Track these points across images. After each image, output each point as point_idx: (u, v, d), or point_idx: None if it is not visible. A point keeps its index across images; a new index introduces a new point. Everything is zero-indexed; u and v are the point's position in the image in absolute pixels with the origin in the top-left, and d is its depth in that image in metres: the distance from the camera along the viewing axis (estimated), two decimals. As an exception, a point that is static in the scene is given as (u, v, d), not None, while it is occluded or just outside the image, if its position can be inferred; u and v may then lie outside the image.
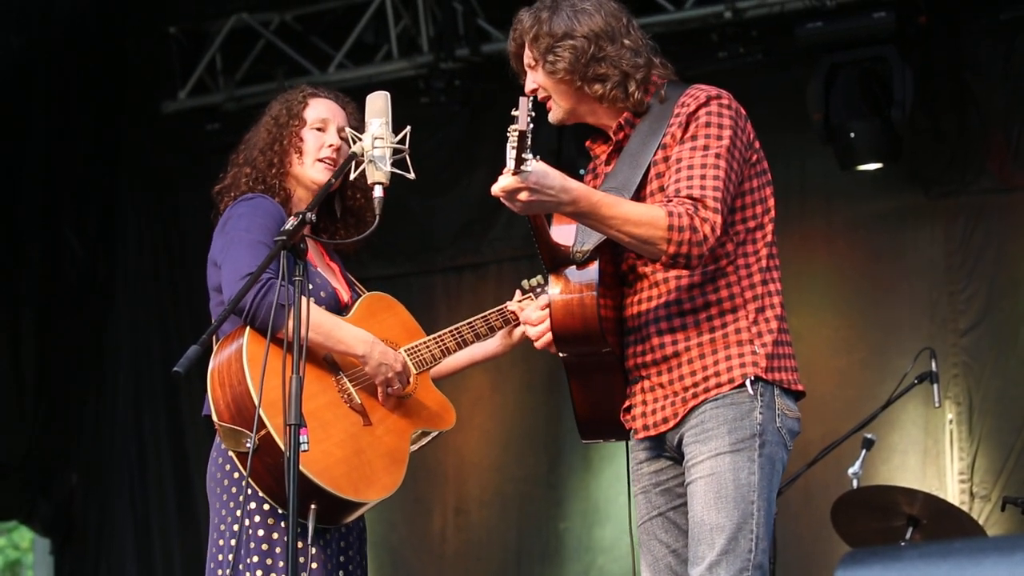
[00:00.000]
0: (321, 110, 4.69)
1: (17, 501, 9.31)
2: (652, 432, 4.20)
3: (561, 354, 4.22)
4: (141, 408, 9.46)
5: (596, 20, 4.20)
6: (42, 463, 9.26)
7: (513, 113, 3.66)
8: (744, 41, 8.26)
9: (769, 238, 4.22)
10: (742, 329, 4.13)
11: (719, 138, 4.09)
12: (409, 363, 4.59)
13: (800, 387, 4.20)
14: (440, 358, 4.67)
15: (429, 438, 4.64)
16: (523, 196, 3.81)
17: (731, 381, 4.09)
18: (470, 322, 4.70)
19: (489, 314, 4.72)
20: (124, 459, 9.42)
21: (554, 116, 4.30)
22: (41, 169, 9.24)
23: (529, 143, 3.69)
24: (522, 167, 3.73)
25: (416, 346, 4.64)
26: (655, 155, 4.16)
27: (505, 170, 3.77)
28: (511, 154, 3.71)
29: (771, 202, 4.24)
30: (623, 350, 4.25)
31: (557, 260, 4.15)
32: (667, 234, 3.94)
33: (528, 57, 4.28)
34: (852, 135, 7.82)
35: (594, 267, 4.12)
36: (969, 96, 7.93)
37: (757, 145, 4.23)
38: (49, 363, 9.21)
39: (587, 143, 4.43)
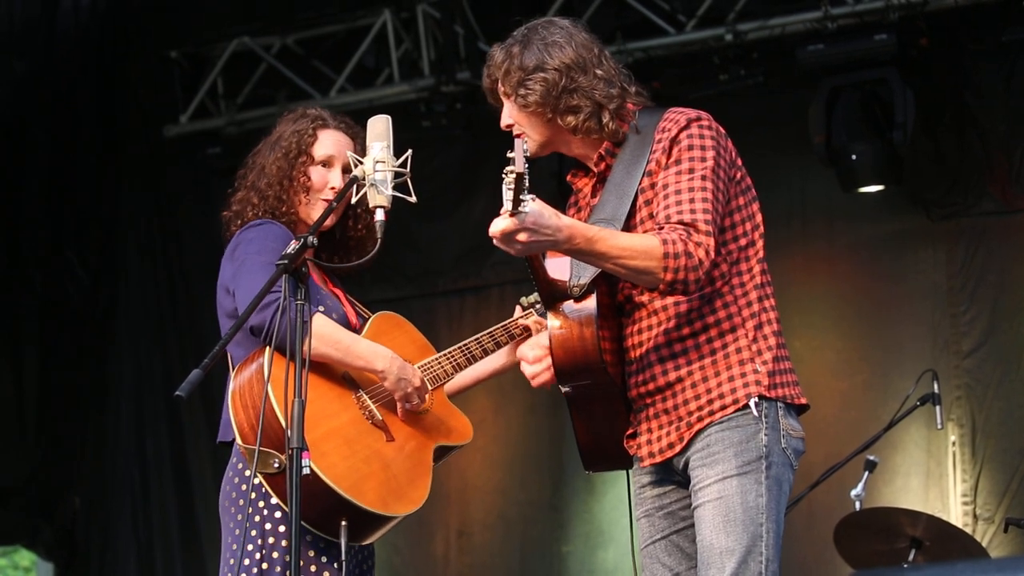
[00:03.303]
0: (328, 145, 4.65)
1: (20, 525, 9.31)
2: (658, 459, 4.19)
3: (562, 388, 4.21)
4: (143, 432, 9.45)
5: (567, 52, 4.20)
6: (45, 487, 9.26)
7: (509, 155, 3.65)
8: (745, 64, 8.25)
9: (761, 254, 4.22)
10: (742, 348, 4.13)
11: (703, 160, 4.09)
12: (424, 379, 4.59)
13: (803, 400, 4.20)
14: (452, 373, 4.67)
15: (449, 453, 4.64)
16: (522, 237, 3.79)
17: (735, 402, 4.09)
18: (477, 338, 4.70)
19: (495, 330, 4.72)
20: (127, 482, 9.42)
21: (527, 149, 4.28)
22: (43, 193, 9.26)
23: (527, 184, 3.68)
24: (519, 208, 3.72)
25: (428, 363, 4.65)
26: (641, 183, 4.16)
27: (502, 211, 3.75)
28: (508, 195, 3.69)
29: (759, 218, 4.24)
30: (624, 380, 4.25)
31: (554, 295, 4.14)
32: (663, 262, 3.93)
33: (501, 92, 4.29)
34: (854, 157, 7.82)
35: (592, 300, 4.11)
36: (970, 118, 7.92)
37: (740, 163, 4.24)
38: (51, 386, 9.21)
39: (568, 177, 4.42)
